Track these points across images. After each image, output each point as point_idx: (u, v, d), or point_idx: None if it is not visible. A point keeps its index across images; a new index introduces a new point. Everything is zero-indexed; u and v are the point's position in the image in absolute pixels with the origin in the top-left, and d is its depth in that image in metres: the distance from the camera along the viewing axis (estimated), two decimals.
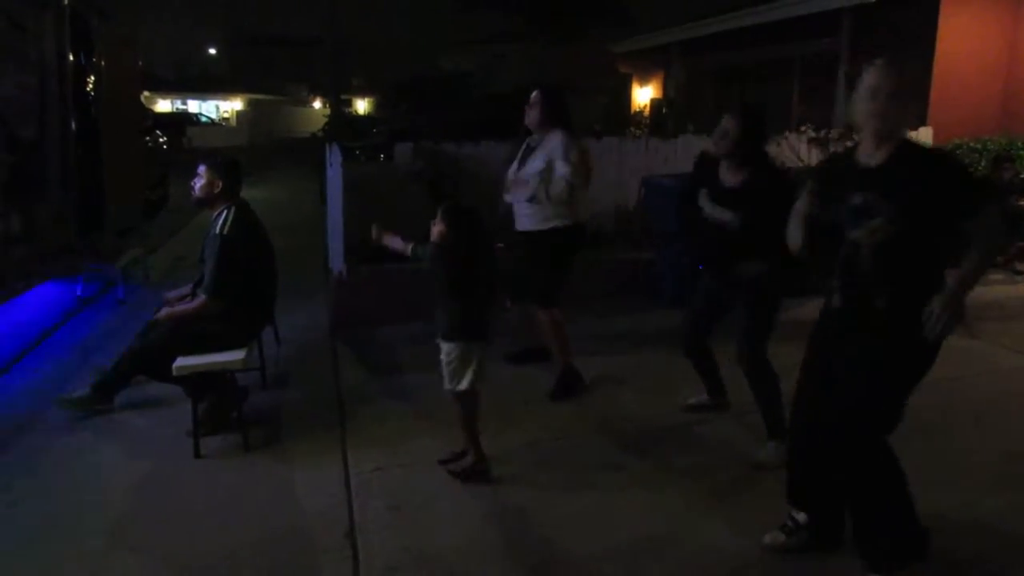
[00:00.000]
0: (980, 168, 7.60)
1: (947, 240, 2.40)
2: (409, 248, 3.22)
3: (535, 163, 4.16)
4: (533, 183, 4.12)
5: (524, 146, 4.35)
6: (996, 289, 6.74)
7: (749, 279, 3.36)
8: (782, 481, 2.81)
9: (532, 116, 4.21)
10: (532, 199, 4.14)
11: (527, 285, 4.36)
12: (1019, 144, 7.82)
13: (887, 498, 2.49)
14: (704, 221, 3.43)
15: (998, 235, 2.38)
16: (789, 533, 2.76)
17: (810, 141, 7.48)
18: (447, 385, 3.21)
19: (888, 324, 2.40)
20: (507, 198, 4.39)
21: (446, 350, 3.18)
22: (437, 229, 3.13)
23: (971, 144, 7.86)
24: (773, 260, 3.16)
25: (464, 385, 3.17)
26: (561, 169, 4.05)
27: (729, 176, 3.37)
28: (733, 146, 3.29)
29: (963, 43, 8.76)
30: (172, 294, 4.26)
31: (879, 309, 2.39)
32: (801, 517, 2.76)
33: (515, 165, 4.33)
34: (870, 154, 2.42)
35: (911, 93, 2.43)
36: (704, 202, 3.41)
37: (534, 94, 4.22)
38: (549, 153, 4.11)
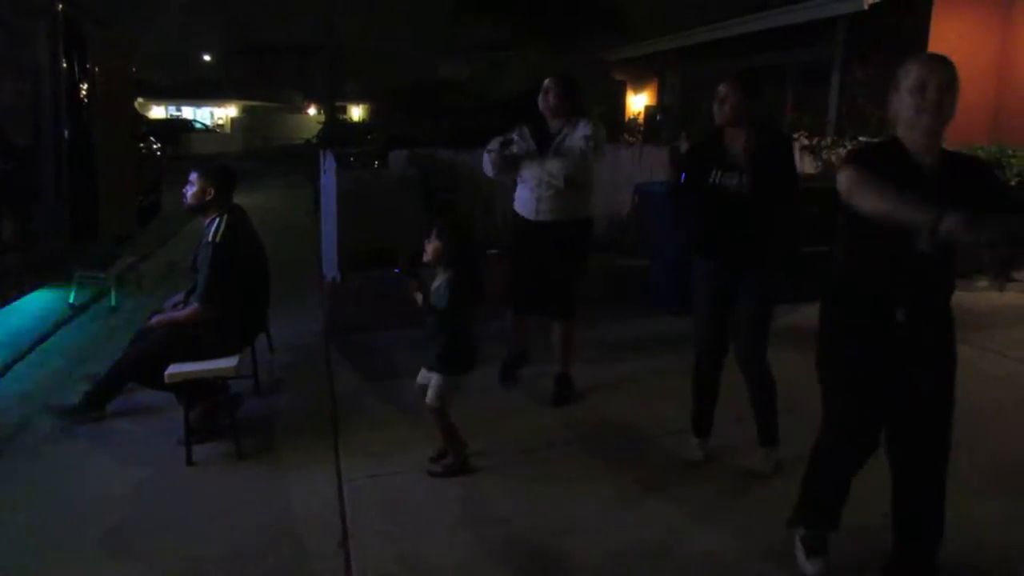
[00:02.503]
0: None
1: None
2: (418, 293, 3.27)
3: (568, 149, 4.01)
4: (570, 163, 4.00)
5: (540, 135, 4.14)
6: (985, 296, 6.76)
7: (759, 266, 3.26)
8: (774, 487, 2.82)
9: (547, 103, 4.07)
10: (564, 181, 4.01)
11: (542, 291, 4.23)
12: (1009, 152, 7.86)
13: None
14: (711, 206, 3.30)
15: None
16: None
17: (803, 149, 7.52)
18: (430, 401, 3.29)
19: (947, 335, 2.42)
20: (526, 182, 4.18)
21: (436, 379, 3.26)
22: (432, 247, 3.15)
23: (962, 152, 7.89)
24: (788, 236, 3.13)
25: (443, 403, 3.30)
26: (582, 139, 3.93)
27: (734, 144, 3.28)
28: (734, 111, 3.24)
29: (954, 51, 8.69)
30: (169, 303, 4.24)
31: (939, 319, 2.39)
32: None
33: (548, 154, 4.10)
34: (921, 155, 2.29)
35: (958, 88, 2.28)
36: (716, 177, 3.25)
37: (547, 81, 4.11)
38: (583, 138, 3.96)
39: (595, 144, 3.97)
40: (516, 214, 4.26)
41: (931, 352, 2.42)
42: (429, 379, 3.31)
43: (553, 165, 4.04)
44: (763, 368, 3.39)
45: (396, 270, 3.41)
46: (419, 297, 3.29)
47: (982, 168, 2.40)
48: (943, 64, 2.26)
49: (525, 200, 4.19)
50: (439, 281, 3.24)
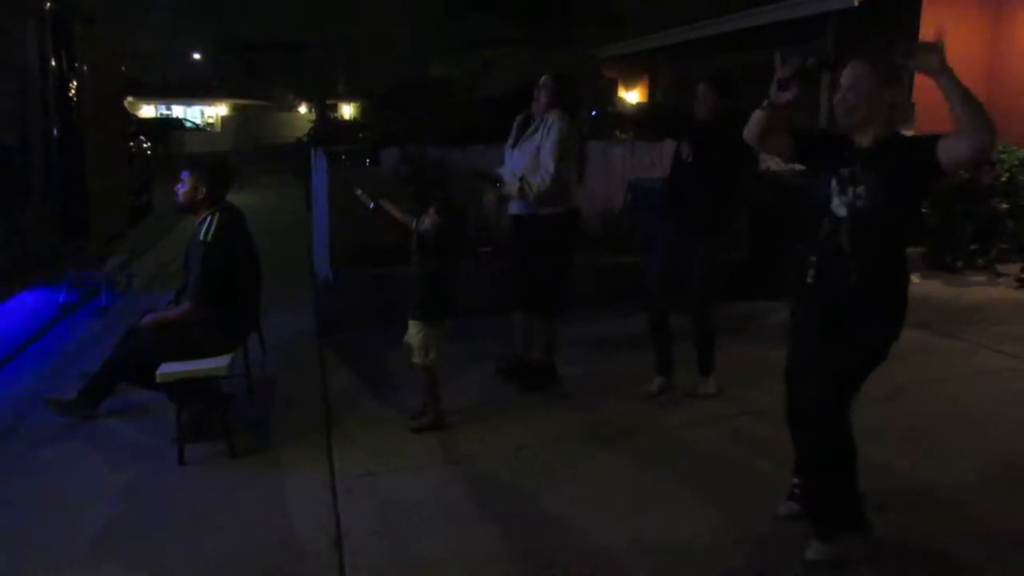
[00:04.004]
0: (961, 171, 7.69)
1: (910, 223, 2.63)
2: (413, 222, 3.73)
3: (528, 146, 4.07)
4: (514, 182, 4.09)
5: (522, 122, 4.22)
6: (978, 291, 6.81)
7: (699, 227, 3.91)
8: (770, 483, 2.84)
9: (537, 101, 4.12)
10: (520, 192, 4.08)
11: (531, 288, 4.27)
12: (1000, 148, 7.91)
13: (841, 470, 2.64)
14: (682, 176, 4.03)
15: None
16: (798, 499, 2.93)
17: None
18: (416, 359, 3.73)
19: (856, 305, 2.50)
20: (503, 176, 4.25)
21: (415, 328, 3.70)
22: (430, 219, 3.59)
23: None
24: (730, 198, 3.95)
25: (431, 358, 3.71)
26: (545, 161, 3.97)
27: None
28: (713, 108, 3.88)
29: (944, 48, 8.84)
30: (161, 302, 4.22)
31: (850, 287, 2.48)
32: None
33: (510, 141, 4.23)
34: (856, 139, 2.58)
35: (879, 88, 2.50)
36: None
37: (543, 79, 4.13)
38: (540, 140, 4.02)
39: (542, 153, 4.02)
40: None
41: (831, 325, 2.54)
42: (411, 335, 3.72)
43: (507, 170, 4.24)
44: (709, 314, 4.08)
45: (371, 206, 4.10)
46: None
47: (915, 145, 2.54)
48: (853, 67, 2.54)
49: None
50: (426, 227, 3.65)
